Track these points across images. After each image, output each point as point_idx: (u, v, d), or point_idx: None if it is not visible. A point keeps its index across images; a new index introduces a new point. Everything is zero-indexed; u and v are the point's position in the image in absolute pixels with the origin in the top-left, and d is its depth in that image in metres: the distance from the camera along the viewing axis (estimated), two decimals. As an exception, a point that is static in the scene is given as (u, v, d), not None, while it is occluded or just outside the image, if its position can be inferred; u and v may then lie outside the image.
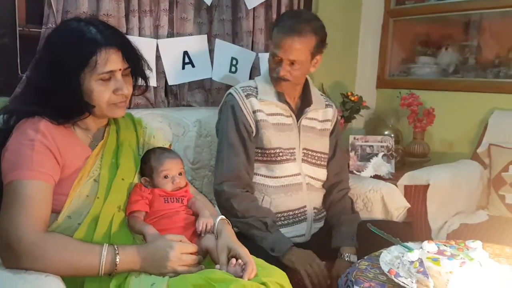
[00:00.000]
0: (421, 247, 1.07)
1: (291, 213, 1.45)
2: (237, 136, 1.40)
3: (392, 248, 1.17)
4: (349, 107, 2.28)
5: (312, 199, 1.48)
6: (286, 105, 1.47)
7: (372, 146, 2.39)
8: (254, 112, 1.42)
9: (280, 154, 1.43)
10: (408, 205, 1.73)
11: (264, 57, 1.86)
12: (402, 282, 1.00)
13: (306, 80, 1.52)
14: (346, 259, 1.38)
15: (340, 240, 1.44)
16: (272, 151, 1.43)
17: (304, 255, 1.28)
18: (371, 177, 2.04)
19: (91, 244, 1.02)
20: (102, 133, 1.19)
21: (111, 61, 1.05)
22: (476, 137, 2.21)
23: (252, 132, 1.42)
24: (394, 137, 2.43)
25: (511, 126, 2.05)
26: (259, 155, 1.44)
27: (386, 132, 2.49)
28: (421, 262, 1.02)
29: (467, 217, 1.81)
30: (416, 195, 1.84)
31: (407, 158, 2.37)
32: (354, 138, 2.39)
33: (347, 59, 2.62)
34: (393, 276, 1.02)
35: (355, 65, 2.68)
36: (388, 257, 1.13)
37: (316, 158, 1.51)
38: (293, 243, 1.35)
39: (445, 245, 1.09)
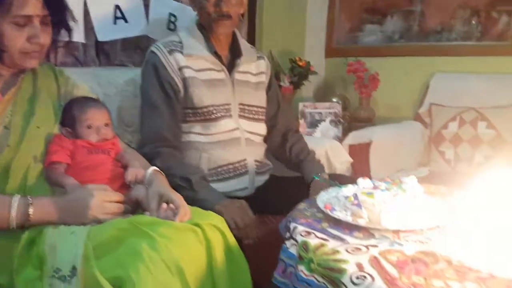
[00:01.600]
0: (356, 184, 1.06)
1: (231, 166, 1.39)
2: (161, 96, 1.31)
3: (330, 189, 1.15)
4: (297, 73, 2.26)
5: (252, 152, 1.43)
6: (217, 58, 1.39)
7: (320, 113, 2.40)
8: (180, 69, 1.33)
9: (214, 111, 1.35)
10: (351, 160, 1.73)
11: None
12: (337, 216, 0.98)
13: (234, 32, 1.45)
14: (317, 178, 1.37)
15: (311, 172, 1.44)
16: (205, 110, 1.34)
17: (235, 205, 1.19)
18: (318, 139, 2.04)
19: (1, 195, 0.92)
20: (16, 80, 1.08)
21: (29, 4, 0.94)
22: (419, 100, 2.27)
23: (179, 91, 1.33)
24: (342, 104, 2.46)
25: (451, 87, 2.11)
26: (191, 115, 1.35)
27: (334, 99, 2.51)
28: (355, 196, 1.01)
29: (409, 174, 1.84)
30: (360, 153, 1.86)
31: (353, 124, 2.40)
32: (304, 106, 2.39)
33: (296, 28, 2.60)
34: (328, 211, 1.00)
35: (304, 34, 2.67)
36: (326, 196, 1.11)
37: (254, 112, 1.46)
38: (225, 197, 1.26)
39: (380, 182, 1.08)
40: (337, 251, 0.84)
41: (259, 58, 1.53)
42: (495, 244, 0.82)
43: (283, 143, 1.55)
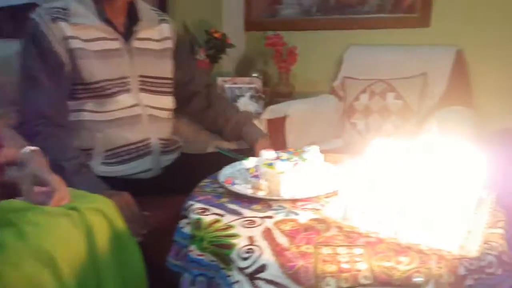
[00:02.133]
0: (260, 155, 1.03)
1: (131, 146, 1.26)
2: (43, 70, 1.15)
3: (236, 163, 1.11)
4: (213, 45, 2.17)
5: (156, 130, 1.32)
6: (110, 27, 1.24)
7: (240, 88, 2.35)
8: (65, 39, 1.17)
9: (108, 87, 1.21)
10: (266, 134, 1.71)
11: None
12: (237, 189, 0.94)
13: None
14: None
15: (254, 136, 1.39)
16: (97, 85, 1.19)
17: (116, 198, 1.03)
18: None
19: None
20: None
21: None
22: (335, 73, 2.30)
23: (65, 64, 1.17)
24: (262, 79, 2.42)
25: (363, 60, 2.16)
26: (82, 91, 1.20)
27: (254, 74, 2.47)
28: (257, 168, 0.97)
29: (323, 145, 1.87)
30: (277, 127, 1.85)
31: (274, 99, 2.39)
32: (223, 81, 2.32)
33: (212, 2, 2.50)
34: (228, 185, 0.96)
35: (221, 5, 2.57)
36: (229, 170, 1.06)
37: (158, 85, 1.33)
38: (106, 186, 1.13)
39: (283, 152, 1.05)
40: (231, 226, 0.80)
41: (162, 21, 1.38)
42: (386, 208, 0.82)
43: (211, 105, 1.46)
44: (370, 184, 0.82)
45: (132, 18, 1.29)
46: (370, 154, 0.90)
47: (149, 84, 1.31)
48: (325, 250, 0.71)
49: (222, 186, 0.98)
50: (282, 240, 0.74)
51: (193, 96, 1.46)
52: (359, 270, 0.66)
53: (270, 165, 0.96)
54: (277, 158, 1.01)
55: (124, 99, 1.24)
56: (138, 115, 1.28)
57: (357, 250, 0.71)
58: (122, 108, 1.24)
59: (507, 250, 0.71)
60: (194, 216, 0.84)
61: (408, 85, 1.96)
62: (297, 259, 0.68)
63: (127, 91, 1.25)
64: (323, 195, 0.92)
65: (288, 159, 0.99)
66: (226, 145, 1.58)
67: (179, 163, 1.40)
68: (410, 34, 2.21)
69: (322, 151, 1.73)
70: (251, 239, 0.74)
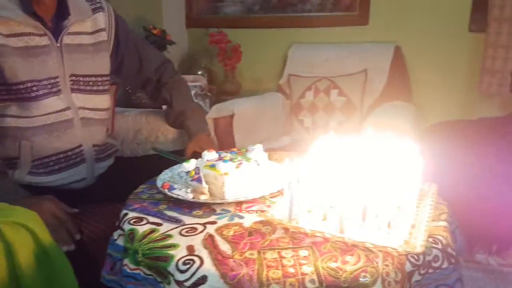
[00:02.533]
0: (201, 157, 0.97)
1: (61, 155, 1.15)
2: None
3: (176, 166, 1.04)
4: (152, 42, 2.07)
5: (89, 136, 1.20)
6: (37, 21, 1.10)
7: (185, 86, 2.27)
8: None
9: (34, 88, 1.09)
10: (211, 133, 1.65)
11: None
12: (176, 194, 0.87)
13: None
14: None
15: (193, 131, 1.31)
16: (22, 86, 1.07)
17: (40, 203, 0.96)
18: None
19: None
20: None
21: None
22: (280, 71, 2.29)
23: None
24: (207, 77, 2.36)
25: (306, 57, 2.17)
26: (4, 93, 1.08)
27: (199, 72, 2.41)
28: (198, 170, 0.91)
29: (272, 143, 1.85)
30: (224, 126, 1.79)
31: (221, 97, 2.34)
32: (165, 80, 2.22)
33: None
34: (166, 190, 0.89)
35: (160, 3, 2.46)
36: (169, 174, 0.99)
37: (91, 83, 1.21)
38: (28, 193, 1.04)
39: (226, 152, 1.00)
40: (169, 236, 0.73)
41: (96, 10, 1.24)
42: (331, 206, 0.80)
43: (161, 89, 1.38)
44: (315, 182, 0.79)
45: (62, 11, 1.17)
46: (314, 152, 0.88)
47: (82, 84, 1.19)
48: (270, 255, 0.66)
49: (160, 192, 0.92)
50: (225, 247, 0.69)
51: (145, 84, 1.38)
52: (305, 274, 0.62)
53: (212, 166, 0.91)
54: (220, 158, 0.96)
55: (52, 103, 1.12)
56: (69, 119, 1.15)
57: (303, 252, 0.67)
58: (51, 113, 1.12)
59: (452, 242, 0.71)
60: (127, 226, 0.77)
61: (350, 82, 1.99)
62: (240, 267, 0.63)
63: (57, 93, 1.13)
64: (268, 195, 0.88)
65: (231, 160, 0.94)
66: (165, 145, 1.50)
67: (115, 169, 1.29)
68: (350, 32, 2.25)
69: (270, 149, 1.71)
70: (190, 248, 0.68)
